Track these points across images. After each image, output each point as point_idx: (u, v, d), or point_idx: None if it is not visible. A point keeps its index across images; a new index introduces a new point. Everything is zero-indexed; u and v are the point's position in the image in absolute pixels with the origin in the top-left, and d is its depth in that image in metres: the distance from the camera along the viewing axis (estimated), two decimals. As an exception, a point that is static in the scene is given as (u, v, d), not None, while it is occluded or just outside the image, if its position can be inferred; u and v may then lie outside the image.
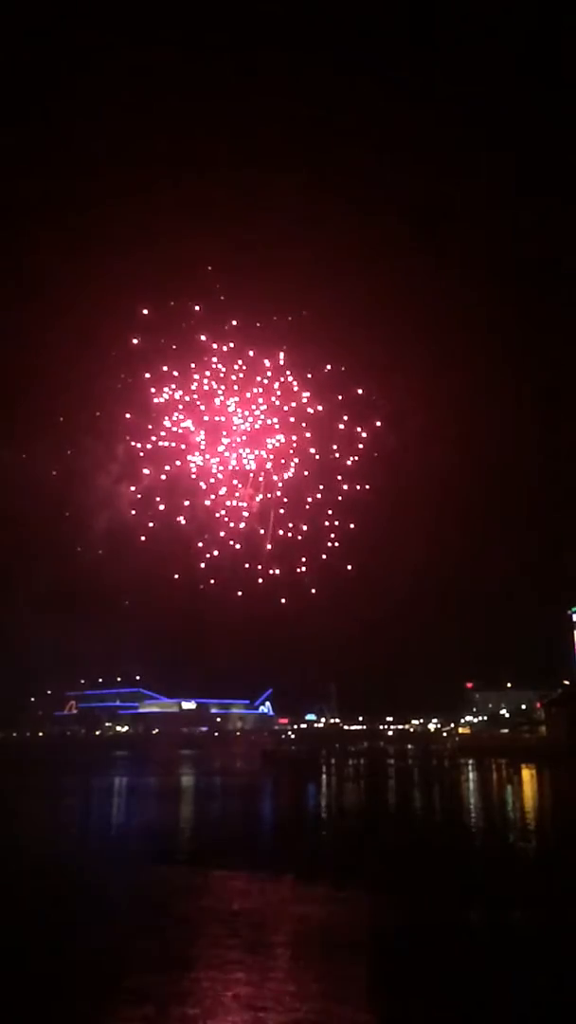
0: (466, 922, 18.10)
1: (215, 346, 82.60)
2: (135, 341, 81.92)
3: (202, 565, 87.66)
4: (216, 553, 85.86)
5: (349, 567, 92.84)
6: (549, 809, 47.17)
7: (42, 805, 48.82)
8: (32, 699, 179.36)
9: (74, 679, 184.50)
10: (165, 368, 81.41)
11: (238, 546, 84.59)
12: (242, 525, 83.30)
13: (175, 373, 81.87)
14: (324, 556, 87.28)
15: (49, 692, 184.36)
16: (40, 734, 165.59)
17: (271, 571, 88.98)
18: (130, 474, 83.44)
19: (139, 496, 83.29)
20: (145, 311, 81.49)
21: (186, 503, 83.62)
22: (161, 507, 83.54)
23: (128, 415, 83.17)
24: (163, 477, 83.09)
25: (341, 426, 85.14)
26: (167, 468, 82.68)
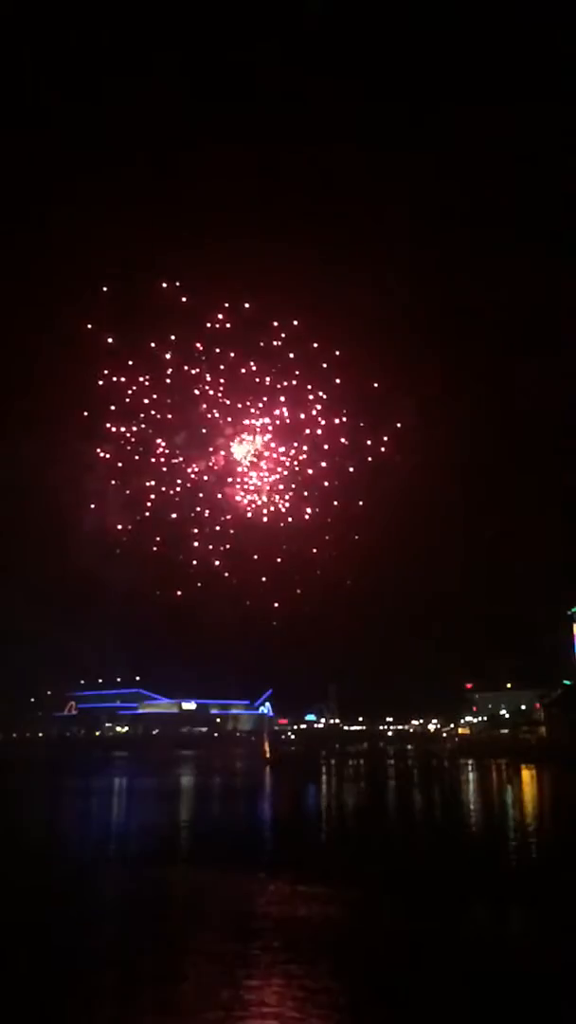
0: (467, 924, 18.02)
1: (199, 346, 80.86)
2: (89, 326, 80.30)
3: (178, 593, 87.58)
4: (200, 584, 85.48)
5: (349, 582, 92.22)
6: (549, 810, 47.10)
7: (38, 807, 48.78)
8: (32, 700, 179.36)
9: (74, 680, 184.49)
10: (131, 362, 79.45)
11: (227, 573, 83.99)
12: (227, 545, 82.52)
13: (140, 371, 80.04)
14: (319, 572, 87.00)
15: (49, 693, 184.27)
16: (40, 735, 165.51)
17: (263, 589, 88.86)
18: (116, 478, 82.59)
19: (124, 502, 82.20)
20: (105, 288, 79.51)
21: (172, 515, 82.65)
22: (142, 516, 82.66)
23: (110, 410, 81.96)
24: (127, 492, 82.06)
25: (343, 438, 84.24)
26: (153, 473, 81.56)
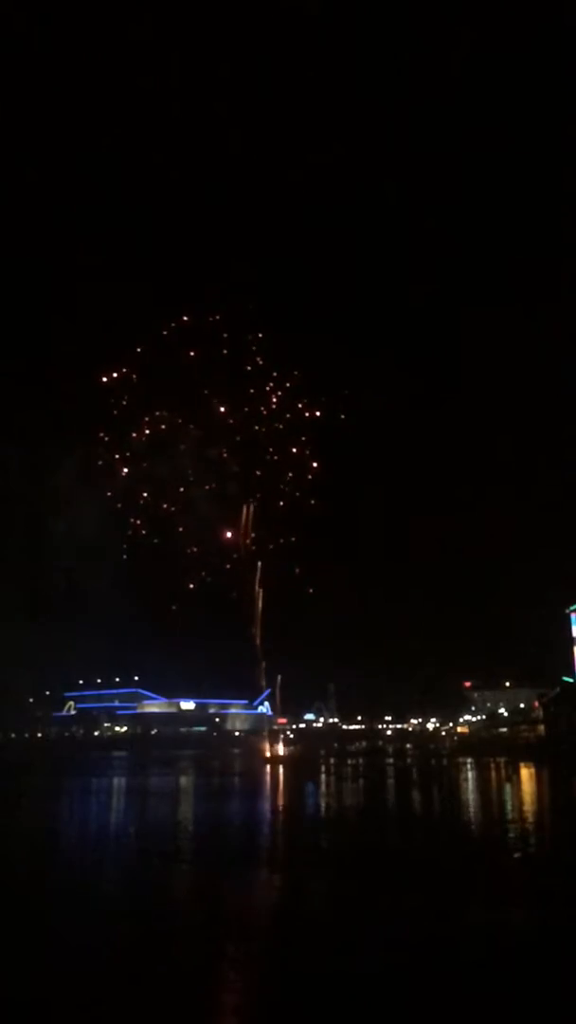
0: (465, 921, 18.03)
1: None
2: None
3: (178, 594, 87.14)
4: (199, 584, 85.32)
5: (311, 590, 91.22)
6: (548, 808, 47.17)
7: (41, 806, 48.78)
8: (31, 700, 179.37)
9: (72, 680, 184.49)
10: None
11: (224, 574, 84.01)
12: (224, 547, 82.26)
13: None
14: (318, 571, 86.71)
15: (48, 693, 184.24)
16: (39, 735, 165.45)
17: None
18: (109, 481, 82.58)
19: (119, 505, 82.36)
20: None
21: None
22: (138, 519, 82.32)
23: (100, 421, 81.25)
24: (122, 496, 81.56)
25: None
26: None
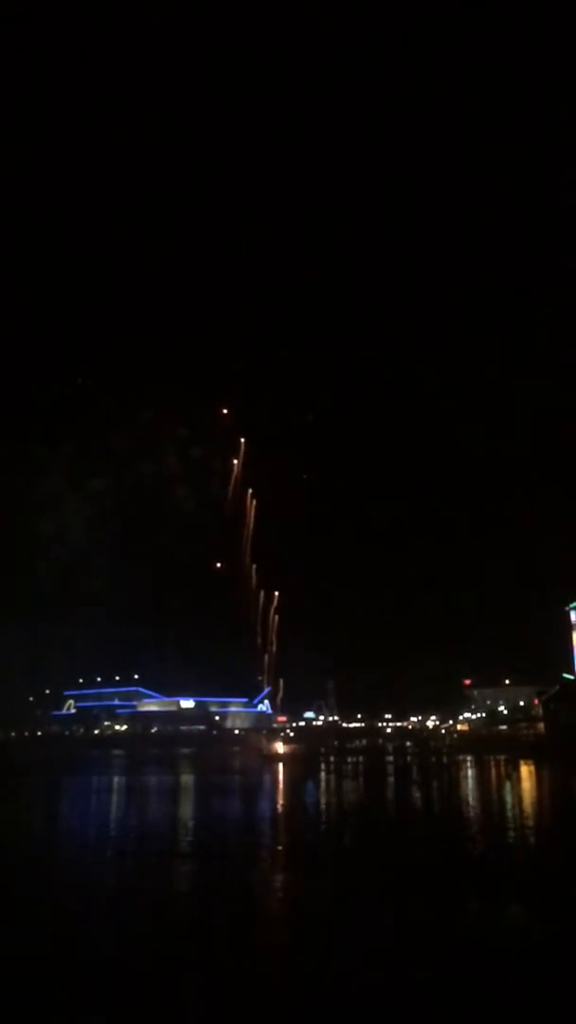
0: (466, 919, 17.95)
1: None
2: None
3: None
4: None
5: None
6: (548, 805, 47.14)
7: (34, 805, 48.74)
8: (30, 699, 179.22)
9: (72, 679, 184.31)
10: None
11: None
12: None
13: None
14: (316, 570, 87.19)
15: (47, 692, 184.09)
16: (39, 734, 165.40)
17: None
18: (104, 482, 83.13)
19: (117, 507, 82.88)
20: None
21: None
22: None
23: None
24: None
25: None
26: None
